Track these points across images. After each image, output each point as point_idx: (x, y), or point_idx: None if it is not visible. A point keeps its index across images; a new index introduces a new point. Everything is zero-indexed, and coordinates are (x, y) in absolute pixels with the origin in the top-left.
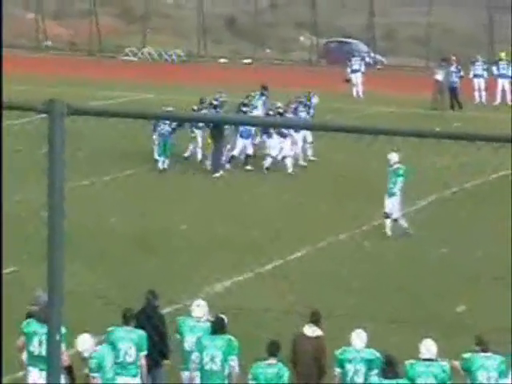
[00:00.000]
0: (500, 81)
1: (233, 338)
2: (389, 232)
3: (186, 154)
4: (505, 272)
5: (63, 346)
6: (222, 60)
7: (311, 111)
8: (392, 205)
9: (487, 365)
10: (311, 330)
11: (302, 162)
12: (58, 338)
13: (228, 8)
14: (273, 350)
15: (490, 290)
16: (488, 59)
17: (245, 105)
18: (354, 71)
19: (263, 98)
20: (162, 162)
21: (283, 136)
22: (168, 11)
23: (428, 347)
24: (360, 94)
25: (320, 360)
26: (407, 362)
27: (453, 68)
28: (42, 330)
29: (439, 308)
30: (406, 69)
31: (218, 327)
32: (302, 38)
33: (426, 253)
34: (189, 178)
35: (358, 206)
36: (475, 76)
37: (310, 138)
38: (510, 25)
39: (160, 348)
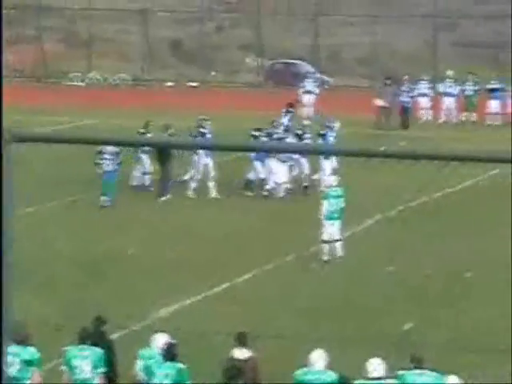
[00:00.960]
0: (445, 99)
1: (183, 366)
2: (325, 257)
3: (134, 183)
4: (451, 289)
5: (36, 368)
6: (169, 83)
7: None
8: (333, 229)
9: (420, 381)
10: (241, 353)
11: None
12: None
13: (173, 31)
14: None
15: (436, 307)
16: (433, 78)
17: (258, 129)
18: (306, 92)
19: (288, 116)
20: (104, 201)
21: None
22: (113, 35)
23: (375, 366)
24: (311, 114)
25: (255, 381)
26: (356, 382)
27: (404, 88)
28: None
29: (387, 326)
30: (351, 89)
31: (168, 354)
32: (247, 60)
33: (373, 272)
34: (136, 202)
35: (305, 227)
36: (420, 95)
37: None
38: (453, 43)
39: (108, 373)
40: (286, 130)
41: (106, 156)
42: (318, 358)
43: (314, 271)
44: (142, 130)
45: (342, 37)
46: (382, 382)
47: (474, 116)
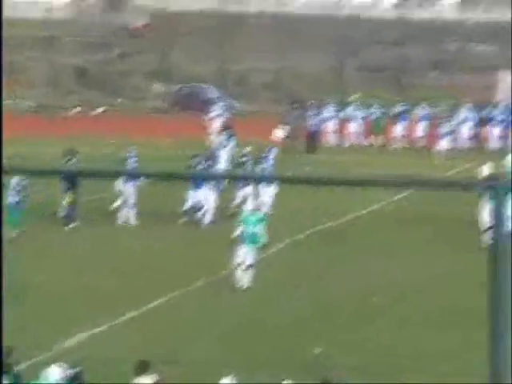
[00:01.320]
0: (352, 123)
1: None
2: (239, 284)
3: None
4: (362, 309)
5: None
6: (75, 110)
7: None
8: (245, 253)
9: None
10: (145, 380)
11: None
12: None
13: (78, 58)
14: None
15: (348, 329)
16: (339, 102)
17: (244, 155)
18: (212, 117)
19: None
20: (10, 232)
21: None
22: (18, 63)
23: None
24: (216, 139)
25: None
26: None
27: (311, 112)
28: None
29: (298, 350)
30: (258, 113)
31: (74, 383)
32: (153, 86)
33: (282, 295)
34: (44, 230)
35: (215, 253)
36: (327, 119)
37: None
38: (358, 68)
39: None
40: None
41: (12, 187)
42: None
43: (225, 296)
44: (68, 158)
45: (249, 62)
46: None
47: (380, 139)
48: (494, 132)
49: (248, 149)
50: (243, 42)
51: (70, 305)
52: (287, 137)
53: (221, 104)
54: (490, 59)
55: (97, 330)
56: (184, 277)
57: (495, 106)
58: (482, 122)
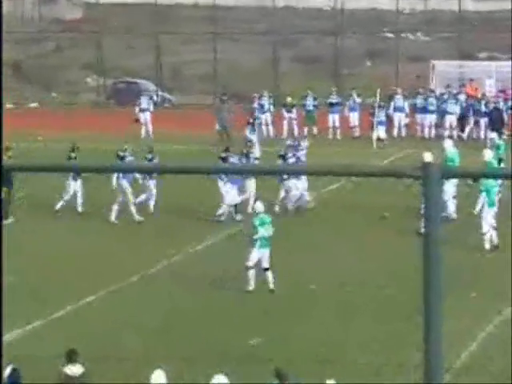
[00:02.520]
0: (287, 115)
1: None
2: (249, 286)
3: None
4: (298, 303)
5: None
6: (8, 106)
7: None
8: (261, 256)
9: None
10: (73, 369)
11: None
12: None
13: (12, 53)
14: None
15: (282, 321)
16: (274, 94)
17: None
18: (142, 110)
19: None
20: None
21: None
22: None
23: (220, 382)
24: (150, 133)
25: None
26: None
27: (255, 105)
28: None
29: (234, 342)
30: (193, 106)
31: (12, 379)
32: (88, 80)
33: (217, 288)
34: None
35: (152, 246)
36: (262, 111)
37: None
38: (293, 59)
39: None
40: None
41: None
42: (158, 378)
43: (159, 290)
44: (72, 155)
45: (184, 54)
46: None
47: (314, 130)
48: (428, 121)
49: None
50: (177, 34)
51: (4, 301)
52: (218, 130)
53: (147, 97)
54: (424, 49)
55: (29, 326)
56: (119, 272)
57: (429, 94)
58: (416, 110)
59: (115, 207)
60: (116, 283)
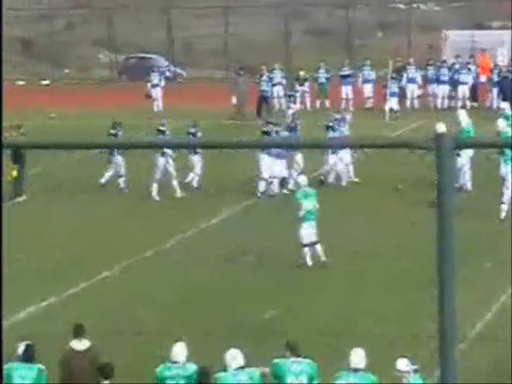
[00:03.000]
0: (299, 88)
1: (41, 366)
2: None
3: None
4: (309, 277)
5: None
6: (20, 82)
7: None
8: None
9: (296, 369)
10: (80, 344)
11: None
12: None
13: (22, 30)
14: None
15: (298, 295)
16: (287, 67)
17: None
18: (154, 86)
19: None
20: None
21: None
22: None
23: (234, 356)
24: (160, 108)
25: (95, 370)
26: (217, 374)
27: (264, 77)
28: None
29: (248, 315)
30: (206, 81)
31: (26, 356)
32: (100, 56)
33: (229, 264)
34: None
35: (163, 222)
36: (274, 85)
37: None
38: (305, 32)
39: None
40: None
41: None
42: (179, 352)
43: (174, 265)
44: (112, 132)
45: (195, 29)
46: (242, 371)
47: (326, 103)
48: (441, 91)
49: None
50: (188, 9)
51: (18, 279)
52: (235, 104)
53: (158, 73)
54: (436, 19)
55: (43, 304)
56: (133, 247)
57: (441, 65)
58: (429, 81)
59: (155, 184)
60: (130, 258)
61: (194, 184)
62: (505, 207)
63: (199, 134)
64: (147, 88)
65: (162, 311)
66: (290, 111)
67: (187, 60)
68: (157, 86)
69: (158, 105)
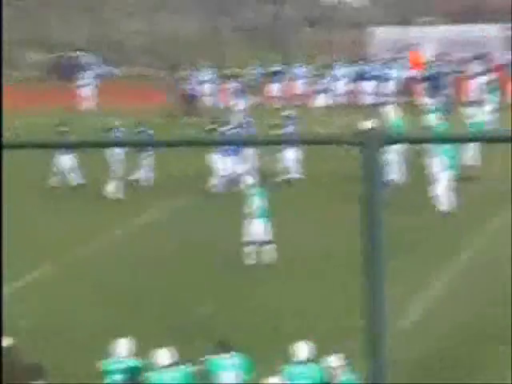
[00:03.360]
0: (230, 84)
1: None
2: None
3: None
4: (242, 272)
5: None
6: None
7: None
8: (261, 229)
9: (228, 365)
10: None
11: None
12: None
13: None
14: None
15: (235, 292)
16: (216, 64)
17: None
18: (85, 85)
19: None
20: None
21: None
22: None
23: (162, 354)
24: (93, 106)
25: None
26: (147, 373)
27: (192, 75)
28: None
29: (184, 313)
30: (136, 78)
31: None
32: (29, 55)
33: (164, 259)
34: None
35: (100, 219)
36: (204, 81)
37: None
38: (234, 29)
39: None
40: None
41: None
42: (122, 347)
43: (109, 265)
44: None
45: (125, 26)
46: (173, 368)
47: (257, 100)
48: (368, 87)
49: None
50: (116, 6)
51: None
52: (173, 102)
53: (90, 71)
54: (364, 15)
55: None
56: (63, 245)
57: (369, 61)
58: (357, 77)
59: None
60: (65, 257)
61: (139, 182)
62: (441, 199)
63: (150, 132)
64: (78, 86)
65: (97, 310)
66: (239, 107)
67: (117, 57)
68: (88, 84)
69: (91, 103)
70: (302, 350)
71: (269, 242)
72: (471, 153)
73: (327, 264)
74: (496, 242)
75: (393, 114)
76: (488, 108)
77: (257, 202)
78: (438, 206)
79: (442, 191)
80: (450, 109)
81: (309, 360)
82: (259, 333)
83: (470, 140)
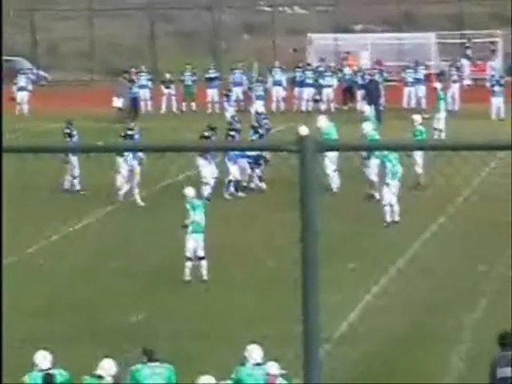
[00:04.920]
0: (166, 91)
1: None
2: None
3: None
4: (176, 280)
5: None
6: None
7: None
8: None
9: (153, 373)
10: None
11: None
12: None
13: None
14: None
15: (164, 299)
16: (152, 69)
17: (233, 129)
18: (19, 89)
19: None
20: None
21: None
22: None
23: (102, 365)
24: (25, 111)
25: None
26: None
27: (135, 80)
28: None
29: (114, 320)
30: (71, 83)
31: None
32: None
33: (97, 265)
34: None
35: (30, 225)
36: (140, 86)
37: None
38: (171, 34)
39: None
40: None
41: None
42: (43, 359)
43: (40, 270)
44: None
45: (60, 31)
46: (103, 381)
47: (193, 106)
48: (306, 94)
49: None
50: (53, 11)
51: None
52: (119, 108)
53: (23, 75)
54: (301, 22)
55: None
56: None
57: (306, 68)
58: (294, 84)
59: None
60: None
61: (74, 186)
62: (388, 209)
63: (75, 133)
64: (12, 91)
65: (26, 318)
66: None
67: (51, 62)
68: (23, 88)
69: (23, 108)
70: (256, 352)
71: (202, 258)
72: (419, 160)
73: (260, 270)
74: (431, 249)
75: (324, 123)
76: (439, 115)
77: (193, 217)
78: (384, 214)
79: (387, 200)
80: (381, 117)
81: (259, 364)
82: (189, 339)
83: (408, 148)
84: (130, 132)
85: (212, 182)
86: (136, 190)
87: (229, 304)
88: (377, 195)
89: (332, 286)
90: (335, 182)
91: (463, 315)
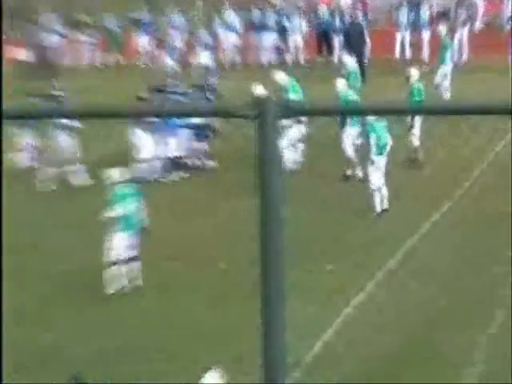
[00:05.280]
0: (83, 39)
1: None
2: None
3: None
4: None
5: None
6: None
7: None
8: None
9: None
10: None
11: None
12: None
13: None
14: None
15: (94, 318)
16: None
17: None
18: None
19: None
20: None
21: None
22: None
23: None
24: None
25: None
26: None
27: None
28: None
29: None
30: None
31: None
32: None
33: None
34: None
35: None
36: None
37: None
38: None
39: None
40: None
41: None
42: None
43: None
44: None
45: None
46: None
47: (121, 58)
48: (266, 41)
49: None
50: None
51: None
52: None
53: None
54: None
55: None
56: None
57: (267, 8)
58: (251, 28)
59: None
60: None
61: None
62: (377, 194)
63: None
64: None
65: None
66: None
67: None
68: None
69: None
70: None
71: (135, 258)
72: (416, 130)
73: (217, 276)
74: (431, 245)
75: (283, 80)
76: (444, 68)
77: (120, 208)
78: (372, 202)
79: (375, 183)
80: (365, 72)
81: None
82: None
83: (399, 112)
84: (56, 93)
85: (150, 159)
86: (50, 170)
87: (170, 315)
88: (358, 175)
89: (302, 294)
90: (296, 155)
91: (474, 331)
